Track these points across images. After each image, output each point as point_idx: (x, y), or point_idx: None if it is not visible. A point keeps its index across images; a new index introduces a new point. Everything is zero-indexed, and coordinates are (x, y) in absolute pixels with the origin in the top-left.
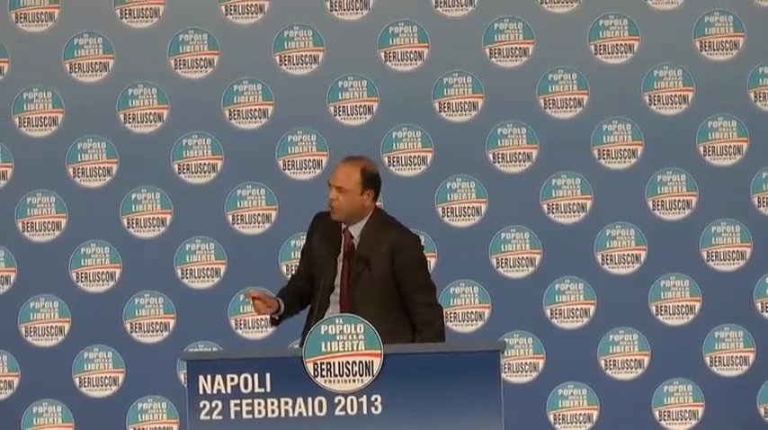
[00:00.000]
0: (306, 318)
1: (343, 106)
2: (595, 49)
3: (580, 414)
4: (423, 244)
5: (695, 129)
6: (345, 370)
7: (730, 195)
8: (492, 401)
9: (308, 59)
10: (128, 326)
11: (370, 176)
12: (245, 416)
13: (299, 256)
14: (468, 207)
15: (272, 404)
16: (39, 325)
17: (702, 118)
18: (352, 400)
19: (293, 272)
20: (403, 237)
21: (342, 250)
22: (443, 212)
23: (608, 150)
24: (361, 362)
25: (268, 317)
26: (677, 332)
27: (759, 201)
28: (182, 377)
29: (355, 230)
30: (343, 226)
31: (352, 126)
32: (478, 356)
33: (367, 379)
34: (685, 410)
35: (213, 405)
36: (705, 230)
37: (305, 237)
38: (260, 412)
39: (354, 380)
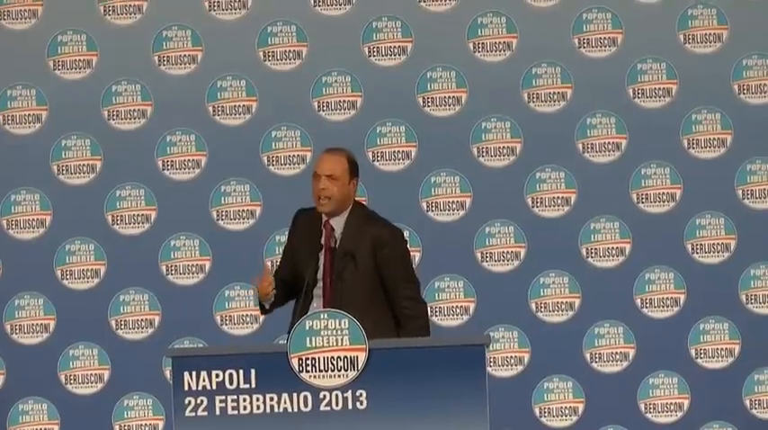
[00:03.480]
0: (291, 313)
1: (327, 101)
2: (579, 43)
3: (566, 407)
4: (407, 238)
5: (679, 122)
6: (330, 365)
7: (714, 188)
8: (477, 395)
9: (291, 55)
10: (113, 323)
11: (355, 165)
12: (230, 411)
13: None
14: (453, 201)
15: (258, 400)
16: (23, 322)
17: (686, 111)
18: (337, 395)
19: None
20: (386, 231)
21: (323, 244)
22: (428, 207)
23: (592, 144)
24: (345, 357)
25: (258, 307)
26: (662, 325)
27: (743, 194)
28: (167, 373)
29: (337, 223)
30: (324, 218)
31: (336, 121)
32: (464, 350)
33: (352, 374)
34: (671, 402)
35: (199, 401)
36: (689, 223)
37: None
38: (245, 408)
39: (339, 376)
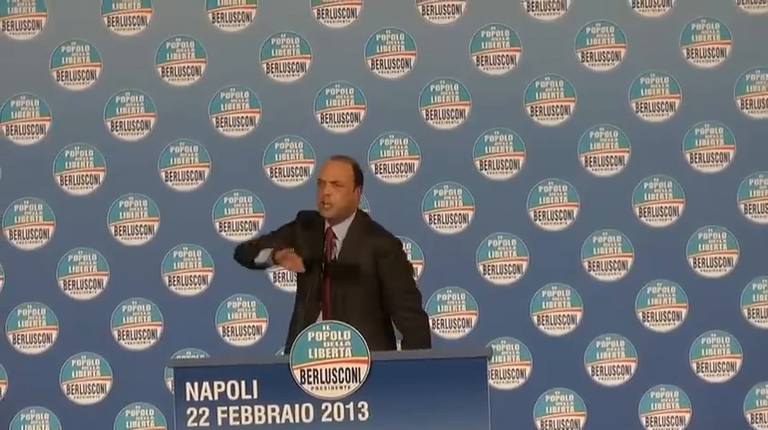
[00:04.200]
0: (290, 322)
1: (331, 113)
2: (582, 57)
3: (567, 420)
4: (406, 250)
5: (682, 137)
6: (332, 376)
7: (717, 202)
8: (479, 408)
9: (295, 67)
10: (115, 333)
11: (360, 173)
12: (232, 422)
13: (278, 229)
14: (455, 214)
15: (259, 411)
16: (26, 332)
17: (689, 125)
18: (338, 407)
19: (252, 240)
20: (387, 242)
21: (324, 253)
22: (430, 219)
23: (595, 157)
24: (347, 368)
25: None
26: (664, 338)
27: (746, 208)
28: (169, 384)
29: (339, 231)
30: (326, 225)
31: (340, 133)
32: (465, 363)
33: (354, 385)
34: (672, 416)
35: (200, 412)
36: (692, 237)
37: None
38: (247, 419)
39: (341, 387)
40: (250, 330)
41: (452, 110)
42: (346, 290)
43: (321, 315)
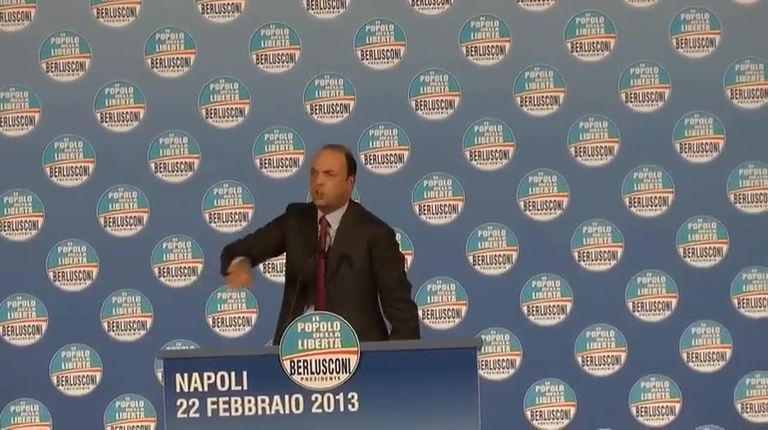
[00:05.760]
0: (279, 312)
1: (320, 104)
2: (572, 47)
3: (557, 410)
4: (399, 240)
5: (672, 127)
6: (322, 367)
7: (707, 192)
8: (469, 398)
9: (284, 58)
10: (105, 324)
11: (352, 161)
12: (221, 413)
13: (267, 225)
14: (445, 205)
15: (249, 402)
16: (16, 324)
17: (679, 115)
18: (328, 398)
19: (232, 246)
20: (381, 231)
21: (317, 242)
22: (420, 210)
23: (584, 148)
24: (337, 359)
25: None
26: (654, 328)
27: (735, 198)
28: (159, 375)
29: (333, 220)
30: (319, 215)
31: (329, 124)
32: (455, 353)
33: (343, 376)
34: (662, 406)
35: (190, 403)
36: (682, 227)
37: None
38: (237, 410)
39: (331, 378)
40: (240, 321)
41: (442, 100)
42: (341, 280)
43: (314, 305)
